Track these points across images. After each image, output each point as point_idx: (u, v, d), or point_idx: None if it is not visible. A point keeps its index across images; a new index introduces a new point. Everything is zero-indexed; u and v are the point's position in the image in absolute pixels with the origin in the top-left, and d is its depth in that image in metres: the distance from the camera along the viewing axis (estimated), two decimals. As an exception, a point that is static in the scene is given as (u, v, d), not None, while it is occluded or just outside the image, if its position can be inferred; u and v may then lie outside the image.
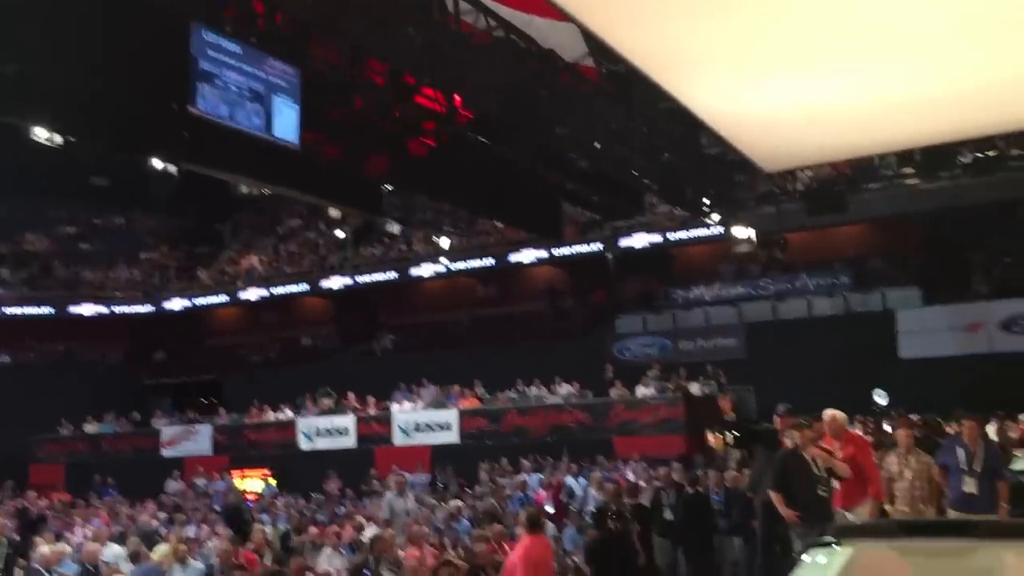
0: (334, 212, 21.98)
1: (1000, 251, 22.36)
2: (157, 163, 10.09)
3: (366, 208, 13.43)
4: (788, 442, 8.97)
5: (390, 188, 12.97)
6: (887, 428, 13.49)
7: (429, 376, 23.50)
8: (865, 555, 4.88)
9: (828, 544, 5.02)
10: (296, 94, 9.13)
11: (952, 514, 8.47)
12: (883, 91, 9.58)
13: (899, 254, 23.47)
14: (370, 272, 28.71)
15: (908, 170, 15.25)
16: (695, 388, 20.48)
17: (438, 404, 22.44)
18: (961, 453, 8.48)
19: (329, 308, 31.25)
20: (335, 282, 29.11)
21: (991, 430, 13.61)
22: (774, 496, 8.38)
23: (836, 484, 8.58)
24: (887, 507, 8.99)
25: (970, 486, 8.27)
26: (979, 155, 14.35)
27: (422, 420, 21.88)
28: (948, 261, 22.41)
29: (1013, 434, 14.07)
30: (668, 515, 11.47)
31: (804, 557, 4.95)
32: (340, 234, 29.40)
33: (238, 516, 14.78)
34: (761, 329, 23.01)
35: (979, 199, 20.16)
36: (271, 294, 30.19)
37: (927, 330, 21.01)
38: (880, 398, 18.05)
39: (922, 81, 9.44)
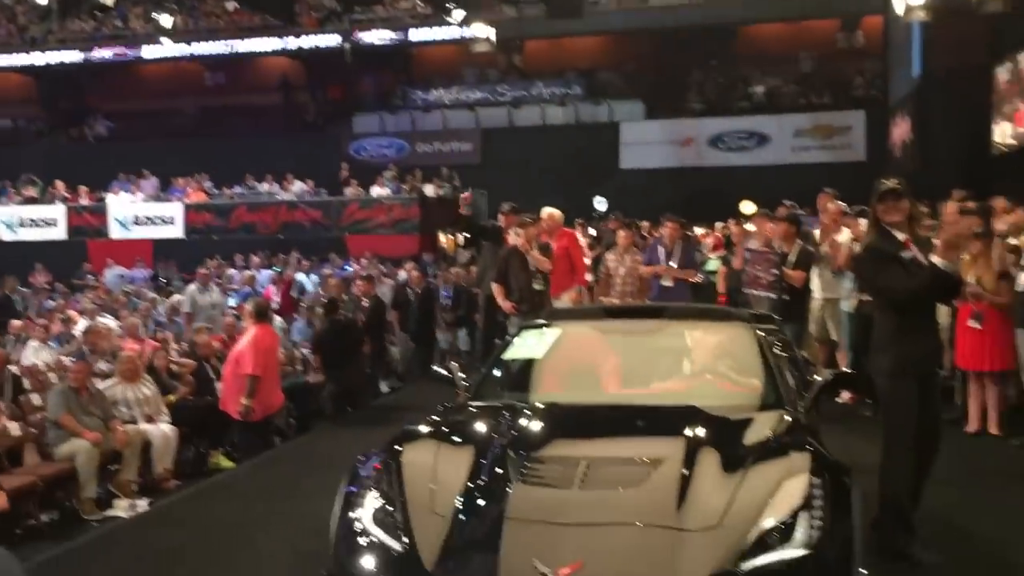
0: (33, -25, 19.25)
1: (715, 72, 23.94)
2: None
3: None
4: (512, 238, 9.34)
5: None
6: (592, 231, 14.39)
7: (150, 167, 22.00)
8: (571, 332, 5.31)
9: (540, 326, 5.41)
10: None
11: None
12: None
13: (627, 68, 24.46)
14: (79, 48, 25.78)
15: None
16: (430, 190, 20.71)
17: (160, 197, 21.18)
18: (662, 252, 9.31)
19: (31, 86, 27.93)
20: (37, 57, 25.92)
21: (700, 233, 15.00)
22: (495, 288, 8.76)
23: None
24: (603, 299, 9.77)
25: (667, 280, 9.14)
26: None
27: (143, 213, 20.61)
28: (670, 78, 23.69)
29: (710, 240, 15.53)
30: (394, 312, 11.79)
31: (516, 338, 5.30)
32: (42, 2, 25.90)
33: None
34: (496, 134, 23.47)
35: (703, 20, 21.31)
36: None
37: (646, 142, 22.41)
38: (600, 204, 19.24)
39: None
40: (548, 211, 9.67)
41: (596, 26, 21.15)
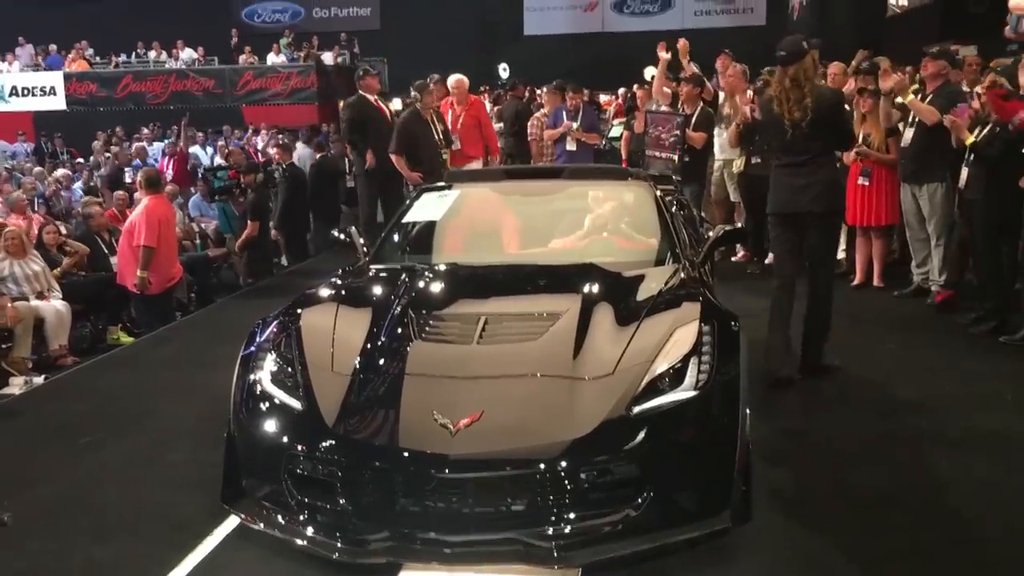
0: None
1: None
2: None
3: None
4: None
5: None
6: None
7: (25, 34, 20.56)
8: (471, 194, 5.29)
9: (439, 188, 5.36)
10: None
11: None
12: None
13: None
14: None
15: None
16: (328, 57, 20.00)
17: (37, 66, 19.90)
18: (565, 116, 9.27)
19: None
20: None
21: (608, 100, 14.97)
22: (395, 159, 8.53)
23: (456, 146, 9.04)
24: (540, 163, 9.75)
25: (571, 144, 9.14)
26: None
27: (20, 83, 19.39)
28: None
29: (610, 107, 15.51)
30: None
31: (416, 201, 5.25)
32: None
33: None
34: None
35: None
36: None
37: (550, 8, 21.95)
38: (503, 71, 18.93)
39: None
40: (457, 77, 9.42)
41: None
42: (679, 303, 3.75)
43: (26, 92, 19.25)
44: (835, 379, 5.27)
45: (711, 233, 5.01)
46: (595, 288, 3.98)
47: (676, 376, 3.27)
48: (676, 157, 8.03)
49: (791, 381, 5.13)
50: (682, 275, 4.23)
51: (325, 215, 11.21)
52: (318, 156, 11.86)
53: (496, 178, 5.76)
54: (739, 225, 7.70)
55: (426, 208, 5.13)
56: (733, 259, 8.74)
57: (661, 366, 3.31)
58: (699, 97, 8.48)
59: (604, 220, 4.97)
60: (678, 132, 8.09)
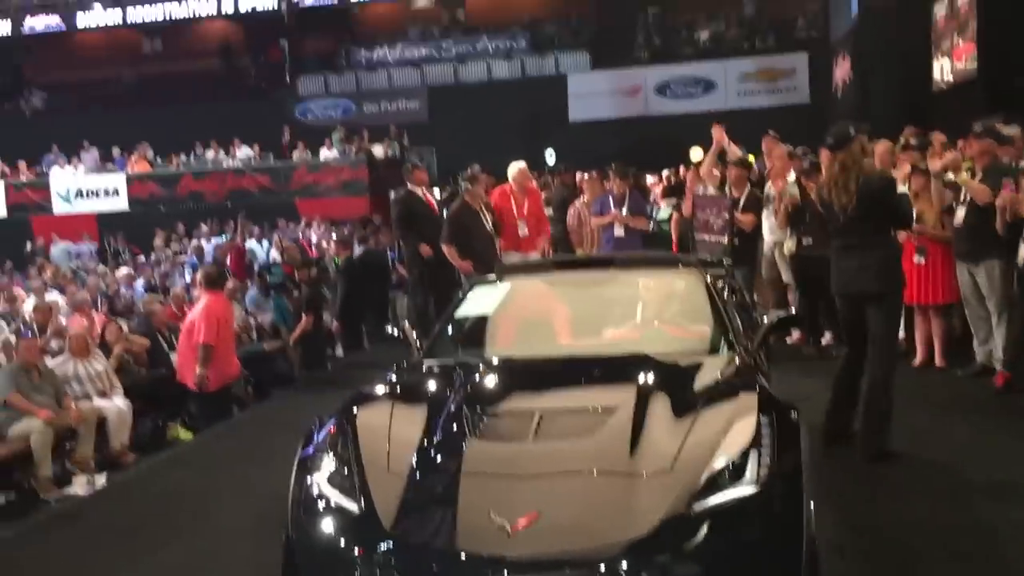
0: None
1: (660, 20, 23.87)
2: None
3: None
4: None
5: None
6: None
7: (90, 138, 21.48)
8: (522, 286, 5.33)
9: (491, 282, 5.42)
10: None
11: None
12: None
13: (572, 19, 24.31)
14: (10, 19, 24.94)
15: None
16: (378, 150, 20.52)
17: (102, 169, 20.71)
18: (611, 202, 9.34)
19: (-41, 61, 27.04)
20: (-36, 30, 25.08)
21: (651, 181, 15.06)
22: (447, 249, 8.61)
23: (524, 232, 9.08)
24: (578, 250, 9.80)
25: (618, 229, 9.19)
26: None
27: (85, 186, 20.17)
28: (614, 28, 23.59)
29: (659, 188, 15.60)
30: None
31: (468, 294, 5.30)
32: (-35, -29, 25.09)
33: None
34: (443, 91, 23.25)
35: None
36: None
37: (594, 93, 22.36)
38: (550, 157, 19.25)
39: None
40: (519, 166, 9.31)
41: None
42: (736, 393, 3.70)
43: (91, 194, 19.99)
44: (900, 465, 5.13)
45: (765, 318, 4.98)
46: (649, 379, 3.95)
47: (736, 471, 3.21)
48: (726, 240, 8.02)
49: (850, 437, 5.18)
50: (737, 363, 4.19)
51: (374, 306, 11.40)
52: (363, 249, 12.09)
53: (546, 269, 5.81)
54: (792, 308, 7.63)
55: (478, 301, 5.18)
56: (788, 341, 8.63)
57: (720, 461, 3.25)
58: (746, 179, 8.51)
59: (656, 309, 4.97)
60: (727, 215, 8.10)
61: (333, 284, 11.19)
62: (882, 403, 5.22)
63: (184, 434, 8.10)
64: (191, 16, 24.60)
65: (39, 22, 24.96)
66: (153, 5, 24.25)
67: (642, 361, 4.20)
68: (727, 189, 8.64)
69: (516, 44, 23.75)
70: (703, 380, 3.93)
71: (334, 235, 14.29)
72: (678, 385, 3.89)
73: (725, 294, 5.24)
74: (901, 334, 7.70)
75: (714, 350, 4.43)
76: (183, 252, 15.91)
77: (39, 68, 26.97)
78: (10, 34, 25.10)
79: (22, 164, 20.84)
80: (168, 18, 24.49)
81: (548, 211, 11.06)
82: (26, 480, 6.83)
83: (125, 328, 9.20)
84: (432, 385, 4.28)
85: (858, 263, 5.19)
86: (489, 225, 8.85)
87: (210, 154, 20.90)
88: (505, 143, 18.58)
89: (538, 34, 23.97)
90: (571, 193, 11.26)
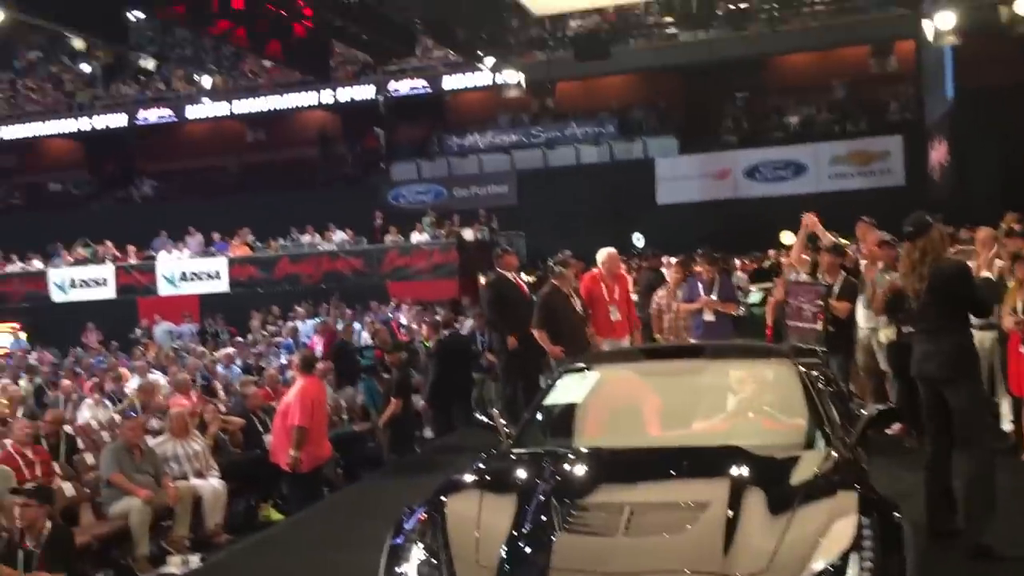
0: (77, 43, 19.88)
1: (748, 104, 23.96)
2: None
3: (110, 37, 12.22)
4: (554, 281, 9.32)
5: (139, 16, 11.85)
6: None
7: (194, 224, 22.46)
8: (611, 376, 5.31)
9: (579, 370, 5.41)
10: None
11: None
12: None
13: (660, 104, 24.57)
14: (125, 112, 26.55)
15: (669, 19, 15.80)
16: (468, 234, 20.88)
17: (205, 253, 21.59)
18: (700, 287, 9.25)
19: (79, 151, 28.80)
20: (84, 123, 26.72)
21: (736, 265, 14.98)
22: (538, 334, 8.67)
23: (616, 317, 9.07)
24: (657, 337, 9.70)
25: (708, 315, 9.07)
26: (732, 8, 15.08)
27: (189, 269, 21.00)
28: (702, 112, 23.76)
29: (742, 273, 15.47)
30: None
31: (557, 382, 5.30)
32: (87, 69, 26.80)
33: None
34: (532, 176, 23.65)
35: (731, 53, 21.38)
36: (9, 134, 27.26)
37: (682, 177, 22.42)
38: (638, 241, 19.27)
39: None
40: (608, 252, 9.32)
41: (626, 65, 21.29)
42: (834, 491, 3.59)
43: (194, 277, 20.81)
44: (1006, 570, 4.84)
45: (863, 411, 4.83)
46: (743, 473, 3.87)
47: (836, 575, 3.10)
48: (819, 328, 7.85)
49: (954, 534, 5.04)
50: (835, 459, 4.07)
51: (462, 389, 11.44)
52: (452, 332, 12.13)
53: (636, 358, 5.78)
54: (891, 398, 7.38)
55: (567, 390, 5.18)
56: (888, 432, 8.31)
57: (819, 563, 3.15)
58: (840, 266, 8.36)
59: (748, 400, 4.88)
60: (820, 302, 7.95)
61: (423, 367, 11.30)
62: (981, 497, 5.01)
63: (275, 515, 8.21)
64: (292, 107, 25.73)
65: (152, 114, 26.45)
66: (257, 98, 25.48)
67: (735, 454, 4.12)
68: (819, 275, 8.49)
69: (604, 129, 24.08)
70: (799, 476, 3.83)
71: (424, 318, 14.51)
72: (773, 480, 3.80)
73: (820, 384, 5.11)
74: (1009, 427, 7.37)
75: (810, 444, 4.32)
76: (278, 333, 16.34)
77: (149, 158, 28.53)
78: (125, 125, 26.62)
79: (131, 248, 21.87)
80: (271, 110, 25.67)
81: (635, 297, 11.07)
82: (124, 558, 7.00)
83: (222, 408, 9.47)
84: (521, 474, 4.27)
85: (930, 348, 5.28)
86: (579, 310, 8.89)
87: (306, 238, 21.57)
88: (593, 227, 18.73)
89: (626, 119, 24.29)
90: (658, 278, 11.22)
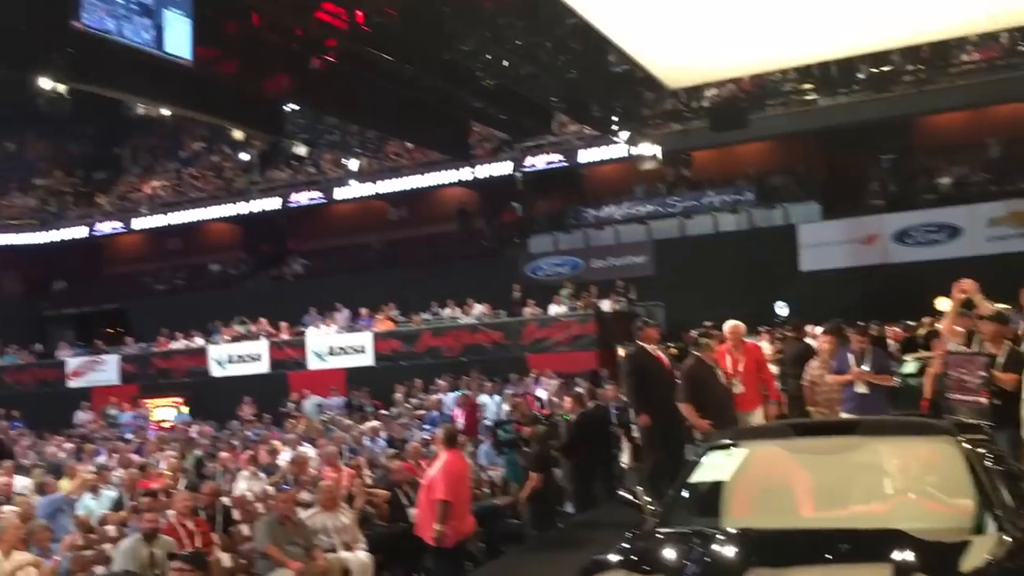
0: (237, 134, 21.35)
1: (894, 166, 23.16)
2: (45, 83, 9.60)
3: (269, 129, 13.10)
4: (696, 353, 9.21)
5: (294, 108, 12.64)
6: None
7: (342, 300, 23.34)
8: (759, 454, 5.15)
9: (726, 447, 5.27)
10: (188, 7, 8.76)
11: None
12: (782, 5, 9.70)
13: (800, 170, 24.07)
14: (279, 195, 28.13)
15: (808, 86, 15.57)
16: (606, 305, 20.86)
17: (352, 328, 22.38)
18: (851, 358, 8.91)
19: (236, 233, 30.56)
20: (242, 207, 28.43)
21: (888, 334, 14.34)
22: (684, 407, 8.57)
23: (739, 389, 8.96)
24: (810, 409, 9.41)
25: (861, 387, 8.71)
26: (874, 71, 14.73)
27: (336, 343, 21.79)
28: (846, 176, 23.11)
29: (892, 339, 14.77)
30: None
31: (703, 459, 5.18)
32: (245, 157, 28.66)
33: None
34: (669, 246, 23.47)
35: (875, 115, 20.78)
36: (175, 219, 29.32)
37: (826, 243, 21.75)
38: (781, 309, 18.75)
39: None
40: (732, 324, 9.48)
41: (763, 131, 20.98)
42: (1010, 581, 3.35)
43: (341, 351, 21.57)
44: None
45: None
46: (907, 558, 3.66)
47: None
48: (985, 401, 7.40)
49: None
50: (1009, 544, 3.80)
51: (604, 464, 11.28)
52: (594, 405, 12.02)
53: (785, 434, 5.58)
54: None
55: (714, 467, 5.05)
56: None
57: (995, 659, 2.92)
58: (1004, 335, 7.89)
59: (908, 479, 4.64)
60: (983, 373, 7.50)
61: (563, 441, 11.25)
62: None
63: (420, 589, 8.27)
64: (433, 185, 26.61)
65: (303, 196, 27.88)
66: (400, 178, 26.48)
67: (897, 537, 3.90)
68: (980, 345, 8.04)
69: (742, 196, 23.73)
70: (970, 562, 3.59)
71: (566, 390, 14.48)
72: (940, 567, 3.58)
73: (988, 462, 4.80)
74: None
75: (979, 528, 4.05)
76: (421, 406, 16.66)
77: (300, 237, 29.98)
78: (279, 208, 28.16)
79: (284, 324, 22.92)
80: (412, 188, 26.62)
81: (773, 368, 10.77)
82: (276, 629, 7.18)
83: (368, 481, 9.69)
84: (669, 556, 4.17)
85: None
86: (724, 382, 8.75)
87: (447, 312, 22.06)
88: (733, 296, 18.37)
89: (765, 186, 23.86)
90: (805, 348, 10.88)
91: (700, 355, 8.81)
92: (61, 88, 9.68)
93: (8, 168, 32.69)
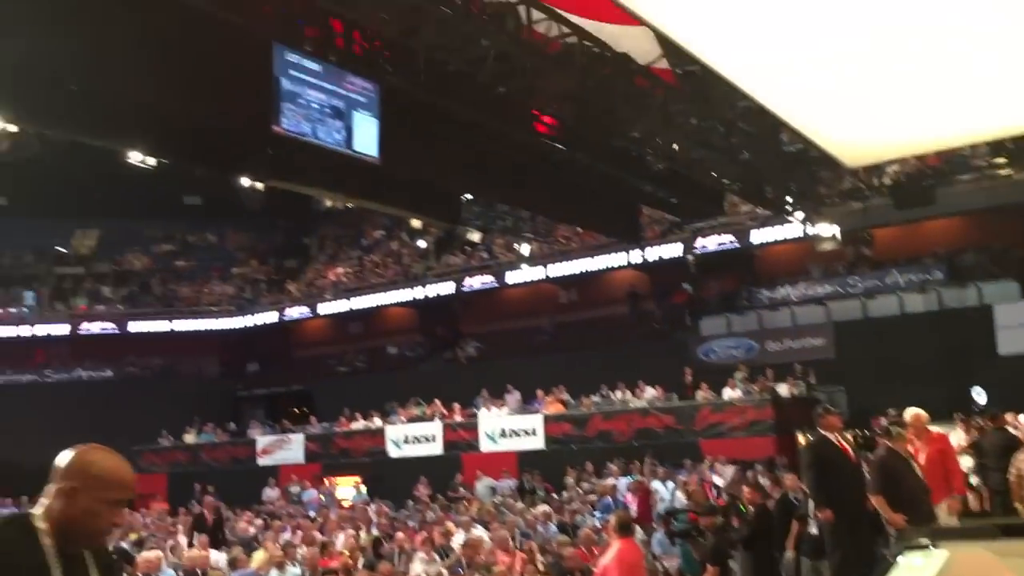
0: (415, 222, 22.33)
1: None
2: (245, 181, 10.46)
3: (446, 217, 13.64)
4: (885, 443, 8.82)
5: (469, 197, 13.14)
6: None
7: (513, 382, 23.62)
8: (962, 557, 4.75)
9: (924, 546, 4.91)
10: (375, 109, 9.35)
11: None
12: (969, 77, 9.27)
13: (994, 247, 22.60)
14: (453, 280, 29.07)
15: (1001, 160, 14.74)
16: (783, 389, 20.13)
17: (523, 410, 22.55)
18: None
19: (413, 317, 31.71)
20: (418, 292, 29.55)
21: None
22: (876, 500, 8.17)
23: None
24: (1018, 506, 8.72)
25: (1080, 483, 7.95)
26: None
27: (508, 426, 22.00)
28: (1047, 253, 21.54)
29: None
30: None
31: (899, 559, 4.85)
32: (422, 244, 29.90)
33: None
34: (850, 328, 22.43)
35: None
36: (357, 304, 30.79)
37: (1026, 324, 20.21)
38: (979, 396, 17.48)
39: (1010, 63, 9.10)
40: (914, 412, 9.13)
41: (953, 207, 19.94)
42: None
43: (512, 433, 21.74)
44: None
45: None
46: None
47: None
48: None
49: None
50: None
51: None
52: (776, 498, 11.51)
53: (991, 535, 5.15)
54: None
55: (910, 570, 4.70)
56: None
57: None
58: None
59: None
60: None
61: (743, 533, 10.80)
62: None
63: None
64: (603, 268, 26.76)
65: (476, 281, 28.69)
66: (571, 261, 26.82)
67: None
68: None
69: (930, 276, 22.48)
70: None
71: (746, 480, 13.96)
72: None
73: None
74: None
75: None
76: (592, 491, 16.47)
77: (473, 320, 30.74)
78: (453, 292, 29.06)
79: (457, 406, 23.40)
80: (583, 271, 26.87)
81: (966, 460, 10.11)
82: None
83: (540, 567, 9.62)
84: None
85: None
86: (920, 474, 8.27)
87: (618, 395, 21.88)
88: (921, 381, 17.30)
89: (955, 264, 22.53)
90: (1011, 438, 10.08)
91: (892, 445, 8.39)
92: (259, 185, 10.51)
93: (210, 258, 35.54)
